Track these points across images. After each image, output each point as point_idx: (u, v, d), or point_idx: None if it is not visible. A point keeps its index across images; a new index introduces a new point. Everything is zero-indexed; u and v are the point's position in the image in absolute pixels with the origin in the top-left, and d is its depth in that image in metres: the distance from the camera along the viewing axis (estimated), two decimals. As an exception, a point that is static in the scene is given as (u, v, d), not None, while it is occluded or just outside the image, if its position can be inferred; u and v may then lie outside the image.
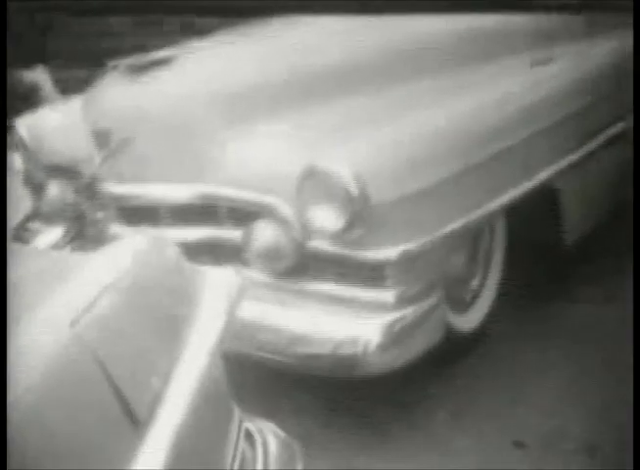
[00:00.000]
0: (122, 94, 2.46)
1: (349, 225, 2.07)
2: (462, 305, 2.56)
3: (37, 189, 3.05)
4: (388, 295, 2.16)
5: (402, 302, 2.17)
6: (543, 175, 2.49)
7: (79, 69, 6.38)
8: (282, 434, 1.49)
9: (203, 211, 2.37)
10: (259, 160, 2.28)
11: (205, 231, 2.39)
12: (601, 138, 2.77)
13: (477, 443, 2.27)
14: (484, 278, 2.66)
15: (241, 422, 1.39)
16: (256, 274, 2.30)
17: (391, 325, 2.16)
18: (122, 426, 0.99)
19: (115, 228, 2.54)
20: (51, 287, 1.07)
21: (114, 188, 2.48)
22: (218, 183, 2.32)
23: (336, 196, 2.04)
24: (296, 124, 2.30)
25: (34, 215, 3.22)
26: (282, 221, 2.20)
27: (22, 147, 3.02)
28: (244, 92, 2.41)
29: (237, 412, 1.38)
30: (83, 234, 2.84)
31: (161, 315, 1.20)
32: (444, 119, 2.28)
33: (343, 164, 2.04)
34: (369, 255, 2.12)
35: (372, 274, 2.15)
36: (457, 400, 2.46)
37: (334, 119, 2.28)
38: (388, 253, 2.11)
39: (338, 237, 2.12)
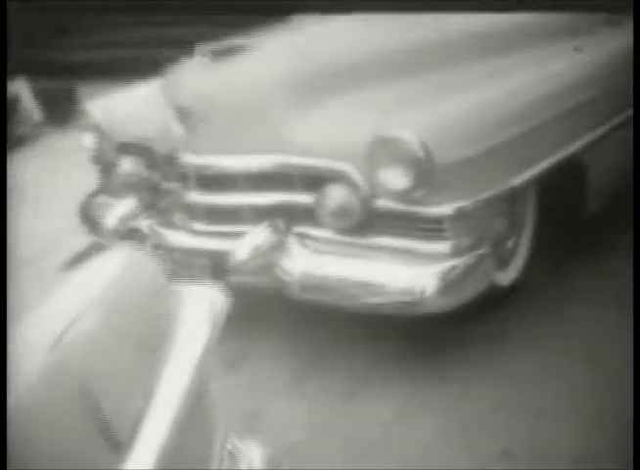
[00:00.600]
0: (205, 75, 2.80)
1: (414, 185, 2.41)
2: (502, 262, 2.91)
3: (108, 166, 3.38)
4: (444, 246, 2.50)
5: (456, 252, 2.51)
6: (572, 148, 2.86)
7: (61, 80, 6.64)
8: (267, 451, 1.51)
9: (277, 178, 2.71)
10: (329, 130, 2.62)
11: (279, 196, 2.72)
12: (622, 116, 3.14)
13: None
14: (518, 240, 3.01)
15: (225, 440, 1.39)
16: (327, 233, 2.65)
17: (447, 272, 2.50)
18: (103, 448, 0.97)
19: (193, 195, 2.87)
20: (32, 304, 1.06)
21: (196, 159, 2.81)
22: (292, 152, 2.66)
23: (403, 159, 2.39)
24: (361, 100, 2.65)
25: (102, 190, 3.55)
26: (352, 184, 2.54)
27: (96, 128, 3.35)
28: (312, 73, 2.76)
29: (222, 430, 1.38)
30: (155, 204, 3.17)
31: (143, 333, 1.18)
32: (494, 95, 2.66)
33: (410, 131, 2.38)
34: (429, 211, 2.47)
35: (430, 228, 2.50)
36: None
37: (395, 96, 2.64)
38: (446, 209, 2.46)
39: (403, 196, 2.46)
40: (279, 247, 2.66)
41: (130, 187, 3.24)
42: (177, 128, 2.84)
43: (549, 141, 2.78)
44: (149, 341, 1.18)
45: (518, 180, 2.66)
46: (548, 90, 2.83)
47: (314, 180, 2.63)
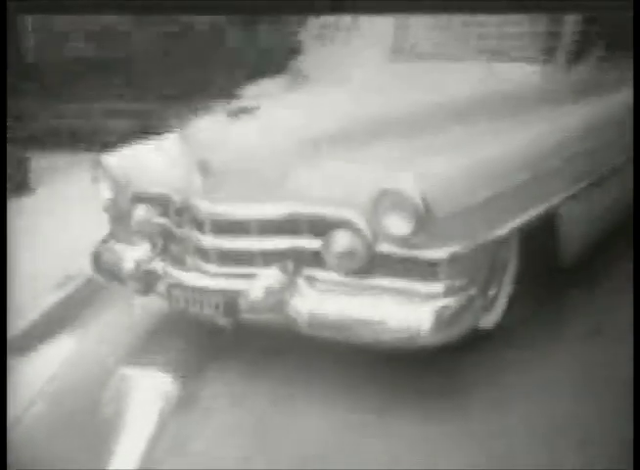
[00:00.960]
0: (223, 132, 3.11)
1: (414, 232, 2.71)
2: (486, 305, 3.20)
3: (121, 214, 3.64)
4: (438, 286, 2.79)
5: (449, 293, 2.80)
6: (550, 202, 3.20)
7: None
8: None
9: (287, 225, 3.00)
10: (335, 181, 2.93)
11: (289, 241, 3.00)
12: (600, 173, 3.54)
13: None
14: (501, 285, 3.31)
15: None
16: (333, 274, 2.93)
17: (441, 311, 2.78)
18: None
19: (208, 240, 3.14)
20: None
21: (213, 207, 3.08)
22: (301, 201, 2.96)
23: (405, 209, 2.70)
24: (364, 156, 2.97)
25: (112, 237, 3.80)
26: (356, 230, 2.83)
27: (112, 179, 3.62)
28: (319, 133, 3.09)
29: None
30: (168, 248, 3.43)
31: (90, 419, 1.20)
32: (485, 155, 3.01)
33: (412, 184, 2.70)
34: (426, 255, 2.76)
35: (426, 270, 2.79)
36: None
37: (395, 153, 2.96)
38: (441, 253, 2.76)
39: (403, 241, 2.76)
40: (289, 287, 2.93)
41: (144, 233, 3.50)
42: (196, 178, 3.12)
43: (531, 195, 3.12)
44: (96, 427, 1.13)
45: (504, 230, 2.98)
46: (531, 151, 3.20)
47: (321, 226, 2.92)
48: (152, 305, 3.60)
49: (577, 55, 3.85)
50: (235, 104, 3.17)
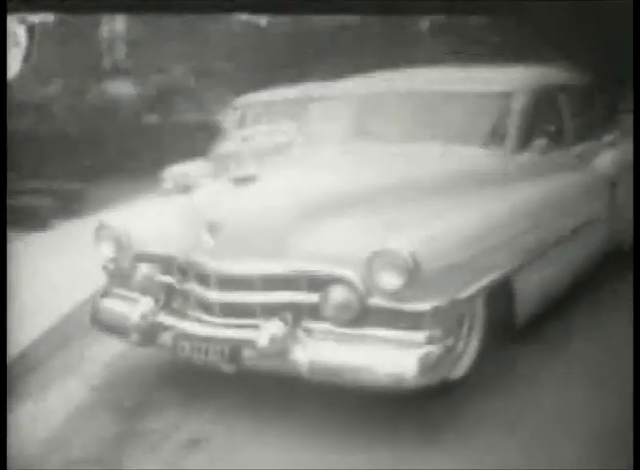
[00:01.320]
0: (231, 198, 3.53)
1: (404, 287, 3.15)
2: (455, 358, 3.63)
3: (122, 272, 3.96)
4: (422, 335, 3.22)
5: (431, 341, 3.23)
6: (507, 267, 3.72)
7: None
8: None
9: (287, 280, 3.39)
10: (332, 242, 3.36)
11: (289, 295, 3.39)
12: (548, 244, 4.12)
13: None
14: (469, 340, 3.76)
15: None
16: (327, 325, 3.32)
17: (424, 357, 3.20)
18: None
19: (212, 294, 3.49)
20: None
21: (219, 264, 3.45)
22: (301, 260, 3.36)
23: (397, 267, 3.14)
24: (358, 219, 3.43)
25: (109, 293, 4.10)
26: (351, 286, 3.25)
27: (115, 240, 3.95)
28: (316, 199, 3.54)
29: None
30: (170, 303, 3.75)
31: None
32: (463, 222, 3.53)
33: (404, 245, 3.16)
34: (412, 307, 3.19)
35: (412, 321, 3.21)
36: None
37: (385, 218, 3.43)
38: (425, 306, 3.19)
39: (393, 295, 3.19)
40: (290, 336, 3.30)
41: (146, 289, 3.82)
42: (205, 238, 3.50)
43: (492, 261, 3.63)
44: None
45: (474, 288, 3.45)
46: (491, 223, 3.75)
47: (319, 282, 3.33)
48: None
49: (523, 143, 4.47)
50: (236, 172, 3.60)
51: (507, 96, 4.52)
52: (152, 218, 4.05)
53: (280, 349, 3.28)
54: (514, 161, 4.35)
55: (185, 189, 5.21)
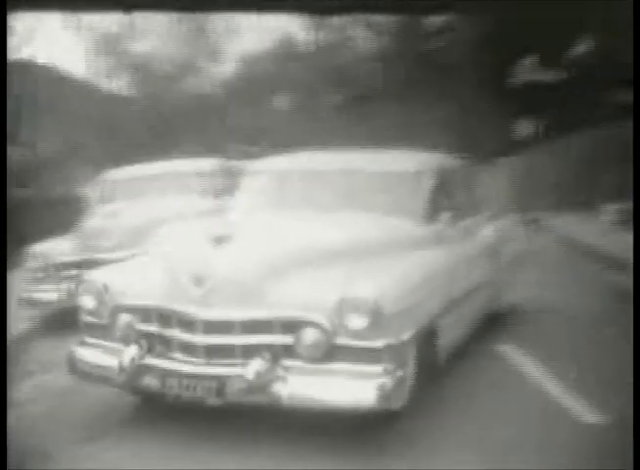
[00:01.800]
0: (212, 254, 4.16)
1: (368, 328, 3.88)
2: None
3: (101, 322, 4.43)
4: (379, 368, 3.93)
5: (386, 373, 3.95)
6: (433, 313, 4.55)
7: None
8: None
9: (265, 324, 4.02)
10: (302, 291, 4.04)
11: (266, 337, 4.02)
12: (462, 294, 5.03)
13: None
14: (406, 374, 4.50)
15: None
16: (300, 362, 3.97)
17: (381, 386, 3.91)
18: None
19: (197, 338, 4.05)
20: None
21: (204, 311, 4.04)
22: (276, 307, 4.02)
23: (363, 311, 3.86)
24: (319, 272, 4.15)
25: (84, 343, 4.53)
26: (321, 328, 3.94)
27: (97, 294, 4.43)
28: (285, 254, 4.24)
29: None
30: (153, 349, 4.25)
31: None
32: (405, 276, 4.34)
33: (370, 292, 3.90)
34: (371, 344, 3.92)
35: (370, 356, 3.93)
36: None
37: (347, 270, 4.17)
38: (381, 343, 3.92)
39: (357, 334, 3.90)
40: (270, 372, 3.92)
41: (126, 337, 4.30)
42: (190, 289, 4.08)
43: (429, 306, 4.45)
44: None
45: (413, 330, 4.23)
46: (430, 274, 4.63)
47: (292, 325, 3.99)
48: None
49: (432, 215, 5.38)
50: (213, 232, 4.26)
51: (418, 175, 5.45)
52: (130, 273, 4.57)
53: (264, 382, 3.89)
54: (429, 229, 5.24)
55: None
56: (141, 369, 4.16)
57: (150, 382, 4.16)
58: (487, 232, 6.54)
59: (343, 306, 3.92)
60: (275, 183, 5.85)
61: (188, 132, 27.44)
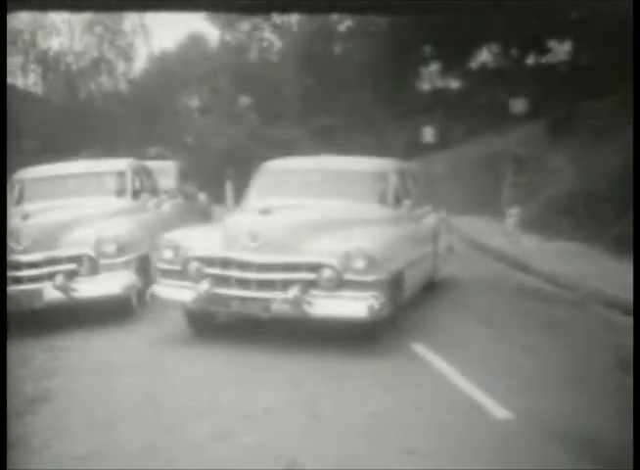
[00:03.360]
0: (259, 220, 6.24)
1: (365, 268, 6.02)
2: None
3: (176, 268, 6.44)
4: (370, 294, 6.07)
5: (374, 298, 6.08)
6: (404, 264, 6.74)
7: None
8: None
9: (297, 266, 6.11)
10: (322, 245, 6.18)
11: (297, 275, 6.12)
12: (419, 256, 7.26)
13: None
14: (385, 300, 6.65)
15: None
16: (320, 291, 6.07)
17: (370, 305, 6.04)
18: None
19: (252, 275, 6.11)
20: None
21: (257, 257, 6.10)
22: (305, 255, 6.12)
23: (363, 256, 6.01)
24: (331, 234, 6.30)
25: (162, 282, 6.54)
26: (334, 269, 6.05)
27: (173, 247, 6.45)
28: (312, 222, 6.37)
29: None
30: (216, 285, 6.27)
31: None
32: (383, 239, 6.56)
33: (366, 245, 6.06)
34: (365, 278, 6.06)
35: (367, 285, 6.07)
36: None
37: (345, 235, 6.32)
38: (375, 277, 6.07)
39: (358, 271, 6.04)
40: (300, 297, 6.00)
41: (195, 278, 6.31)
42: (247, 242, 6.13)
43: (400, 259, 6.63)
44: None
45: (393, 271, 6.39)
46: (400, 239, 6.81)
47: (316, 267, 6.09)
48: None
49: (397, 202, 7.58)
50: (259, 208, 6.36)
51: (388, 173, 7.66)
52: (200, 235, 6.69)
53: (297, 302, 5.97)
54: (396, 212, 7.46)
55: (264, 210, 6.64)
56: (211, 297, 6.17)
57: (216, 305, 6.20)
58: (430, 221, 8.83)
59: (350, 254, 6.05)
60: (286, 178, 7.93)
61: (99, 131, 27.27)
